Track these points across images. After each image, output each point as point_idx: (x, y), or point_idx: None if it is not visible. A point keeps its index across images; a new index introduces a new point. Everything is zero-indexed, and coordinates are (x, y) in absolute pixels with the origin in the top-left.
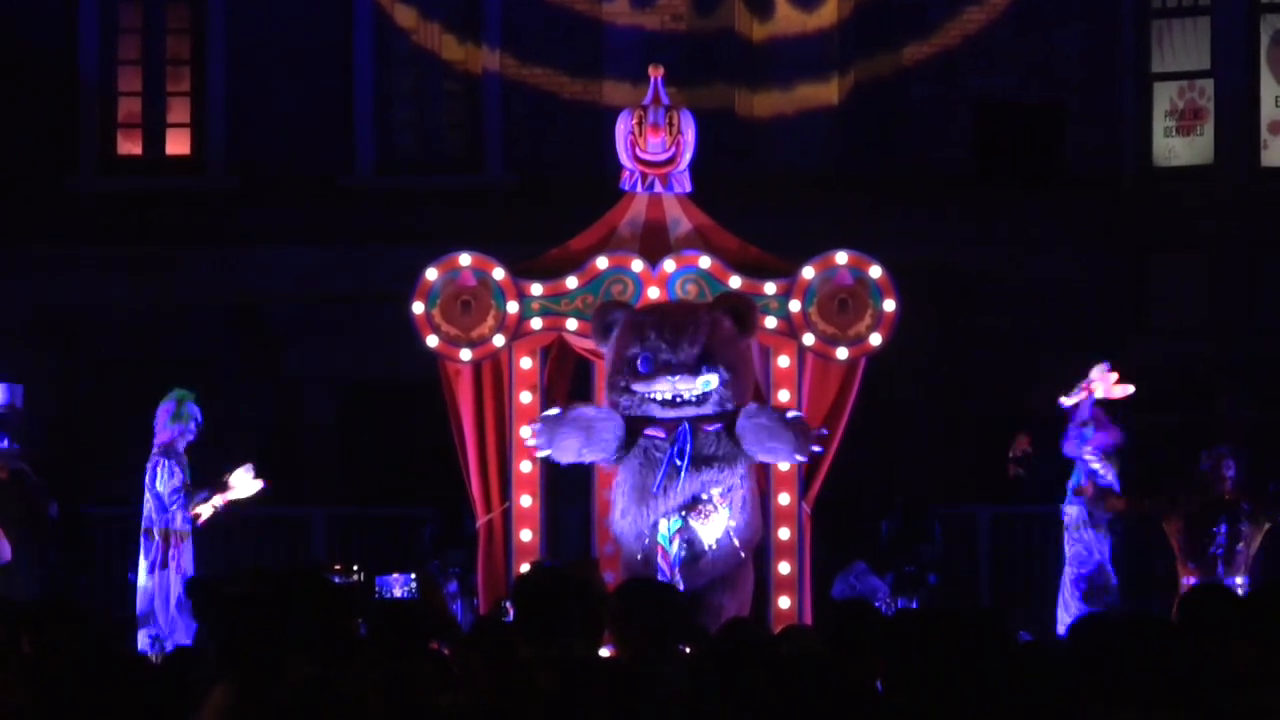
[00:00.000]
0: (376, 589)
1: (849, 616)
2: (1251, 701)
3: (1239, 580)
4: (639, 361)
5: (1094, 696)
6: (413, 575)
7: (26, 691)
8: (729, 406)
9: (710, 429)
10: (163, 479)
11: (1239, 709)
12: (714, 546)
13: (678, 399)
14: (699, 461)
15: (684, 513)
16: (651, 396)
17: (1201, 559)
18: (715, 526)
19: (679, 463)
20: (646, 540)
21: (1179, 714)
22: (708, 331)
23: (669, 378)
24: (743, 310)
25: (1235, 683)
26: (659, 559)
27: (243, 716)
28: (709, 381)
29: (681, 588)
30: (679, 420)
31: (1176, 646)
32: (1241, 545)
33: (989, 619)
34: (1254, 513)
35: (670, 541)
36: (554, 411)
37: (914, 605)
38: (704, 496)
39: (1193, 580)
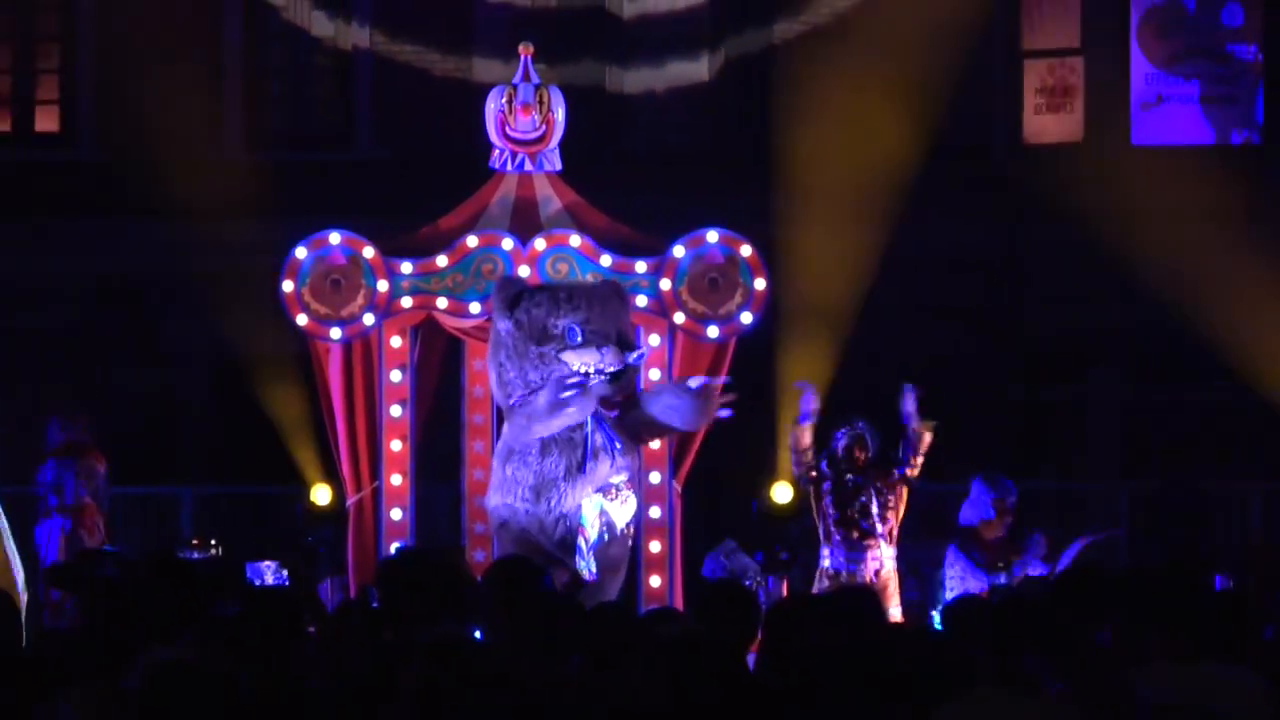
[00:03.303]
0: (246, 575)
1: (720, 596)
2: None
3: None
4: (568, 333)
5: (969, 676)
6: (280, 563)
7: None
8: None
9: (615, 414)
10: None
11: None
12: (627, 530)
13: (606, 370)
14: (610, 445)
15: (602, 496)
16: (584, 369)
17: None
18: (628, 509)
19: (610, 445)
20: (569, 522)
21: (1051, 693)
22: (620, 305)
23: (600, 351)
24: (623, 295)
25: (1109, 661)
26: (580, 541)
27: (104, 704)
28: (641, 355)
29: (595, 570)
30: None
31: (1051, 625)
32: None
33: (864, 599)
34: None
35: (591, 524)
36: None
37: (783, 583)
38: (614, 481)
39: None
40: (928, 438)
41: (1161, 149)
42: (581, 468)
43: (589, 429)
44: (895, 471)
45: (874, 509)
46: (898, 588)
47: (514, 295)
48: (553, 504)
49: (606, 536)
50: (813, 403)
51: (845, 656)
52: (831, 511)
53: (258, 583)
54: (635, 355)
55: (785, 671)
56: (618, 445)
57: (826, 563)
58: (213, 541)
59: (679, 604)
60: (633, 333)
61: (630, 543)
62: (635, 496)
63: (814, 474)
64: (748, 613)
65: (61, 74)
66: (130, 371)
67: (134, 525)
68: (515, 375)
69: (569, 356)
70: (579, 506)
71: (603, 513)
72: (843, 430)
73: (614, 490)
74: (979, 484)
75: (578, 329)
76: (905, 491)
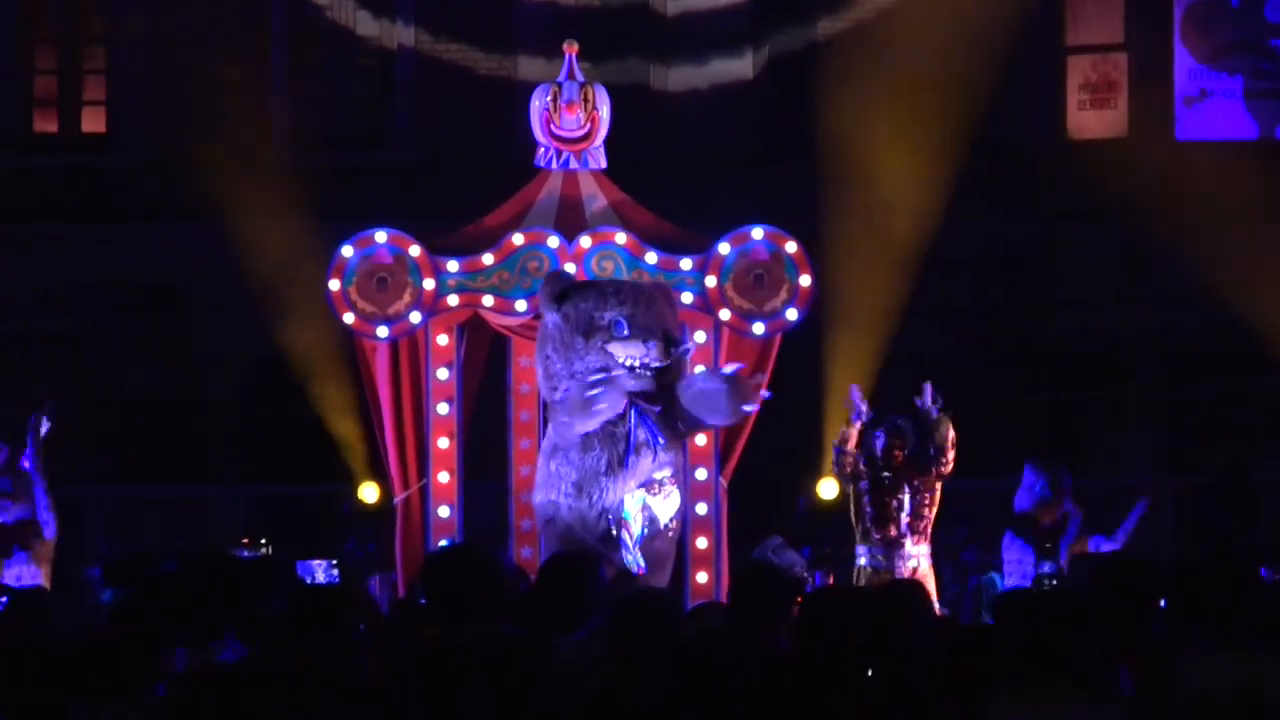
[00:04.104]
0: (298, 574)
1: (753, 582)
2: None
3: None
4: (615, 325)
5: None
6: (334, 561)
7: None
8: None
9: (658, 409)
10: None
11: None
12: (672, 524)
13: (651, 365)
14: (654, 441)
15: (645, 491)
16: (629, 362)
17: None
18: (672, 504)
19: (653, 440)
20: (611, 517)
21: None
22: (666, 304)
23: (646, 345)
24: (668, 291)
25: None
26: (624, 536)
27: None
28: (688, 350)
29: (643, 564)
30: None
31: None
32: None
33: (908, 592)
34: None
35: (634, 519)
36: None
37: (829, 578)
38: (657, 476)
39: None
40: (948, 432)
41: (1205, 144)
42: (624, 462)
43: (631, 424)
44: (930, 469)
45: (909, 506)
46: (934, 584)
47: (561, 289)
48: (594, 499)
49: (648, 531)
50: (862, 403)
51: (893, 649)
52: (869, 510)
53: (309, 580)
54: (681, 349)
55: (821, 661)
56: (660, 440)
57: (863, 560)
58: (263, 541)
59: (725, 599)
60: (679, 331)
61: (675, 537)
62: (679, 491)
63: (853, 472)
64: (783, 594)
65: (107, 76)
66: (177, 372)
67: (182, 527)
68: (561, 367)
69: (615, 348)
70: (621, 501)
71: (645, 507)
72: (881, 429)
73: (657, 485)
74: (1031, 469)
75: (624, 322)
76: (940, 488)
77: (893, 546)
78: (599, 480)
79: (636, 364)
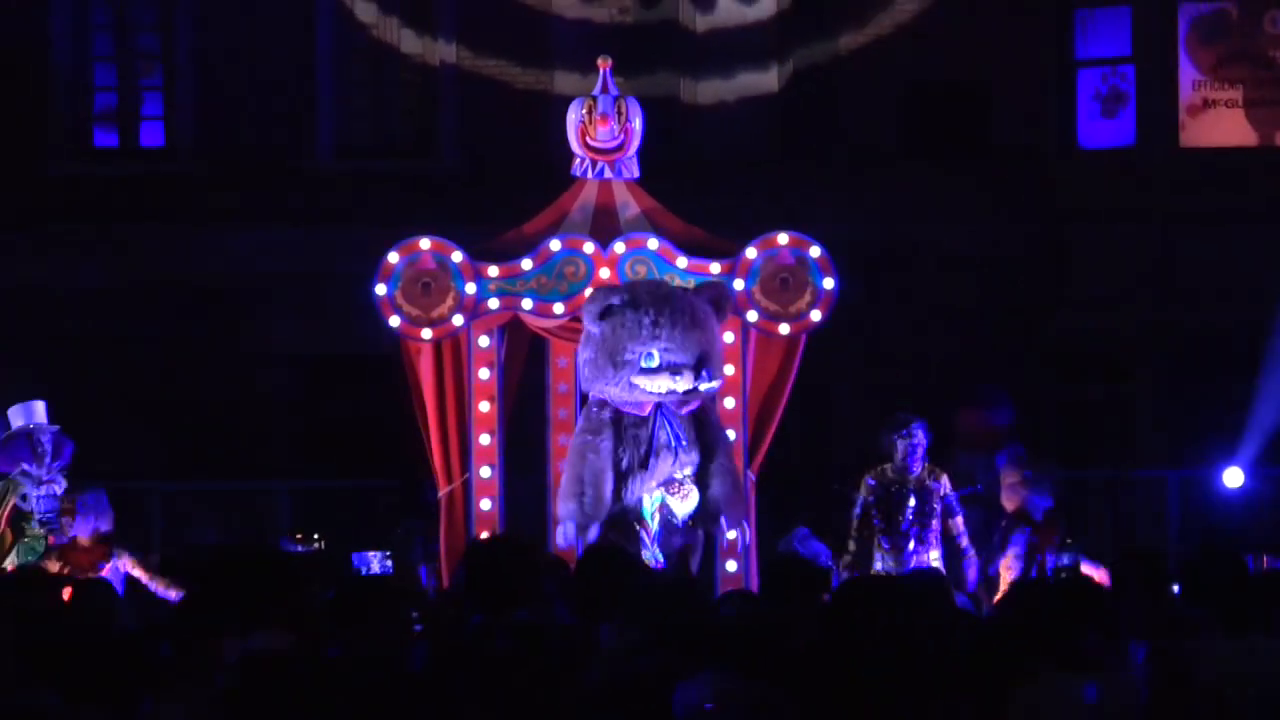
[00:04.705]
0: (353, 565)
1: (782, 573)
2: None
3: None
4: (643, 357)
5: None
6: (388, 553)
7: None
8: (704, 394)
9: (685, 411)
10: None
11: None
12: (688, 522)
13: (676, 391)
14: (676, 443)
15: (665, 490)
16: (654, 391)
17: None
18: (690, 503)
19: (674, 442)
20: (630, 515)
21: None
22: (704, 328)
23: (674, 377)
24: (721, 300)
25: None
26: (643, 533)
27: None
28: (712, 388)
29: (660, 559)
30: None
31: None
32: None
33: (932, 583)
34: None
35: (652, 517)
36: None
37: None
38: (677, 476)
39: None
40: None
41: (1208, 150)
42: (645, 463)
43: (655, 425)
44: (932, 484)
45: (916, 513)
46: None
47: (603, 308)
48: (620, 497)
49: (666, 529)
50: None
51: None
52: (878, 522)
53: (363, 571)
54: (707, 386)
55: (852, 649)
56: (683, 441)
57: (878, 565)
58: (315, 536)
59: (754, 588)
60: (716, 357)
61: (698, 532)
62: (697, 490)
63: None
64: (810, 584)
65: (164, 92)
66: (229, 370)
67: (234, 520)
68: (592, 377)
69: (641, 380)
70: (640, 500)
71: (662, 505)
72: (898, 434)
73: (676, 484)
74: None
75: (655, 354)
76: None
77: (901, 553)
78: (623, 479)
79: (664, 393)
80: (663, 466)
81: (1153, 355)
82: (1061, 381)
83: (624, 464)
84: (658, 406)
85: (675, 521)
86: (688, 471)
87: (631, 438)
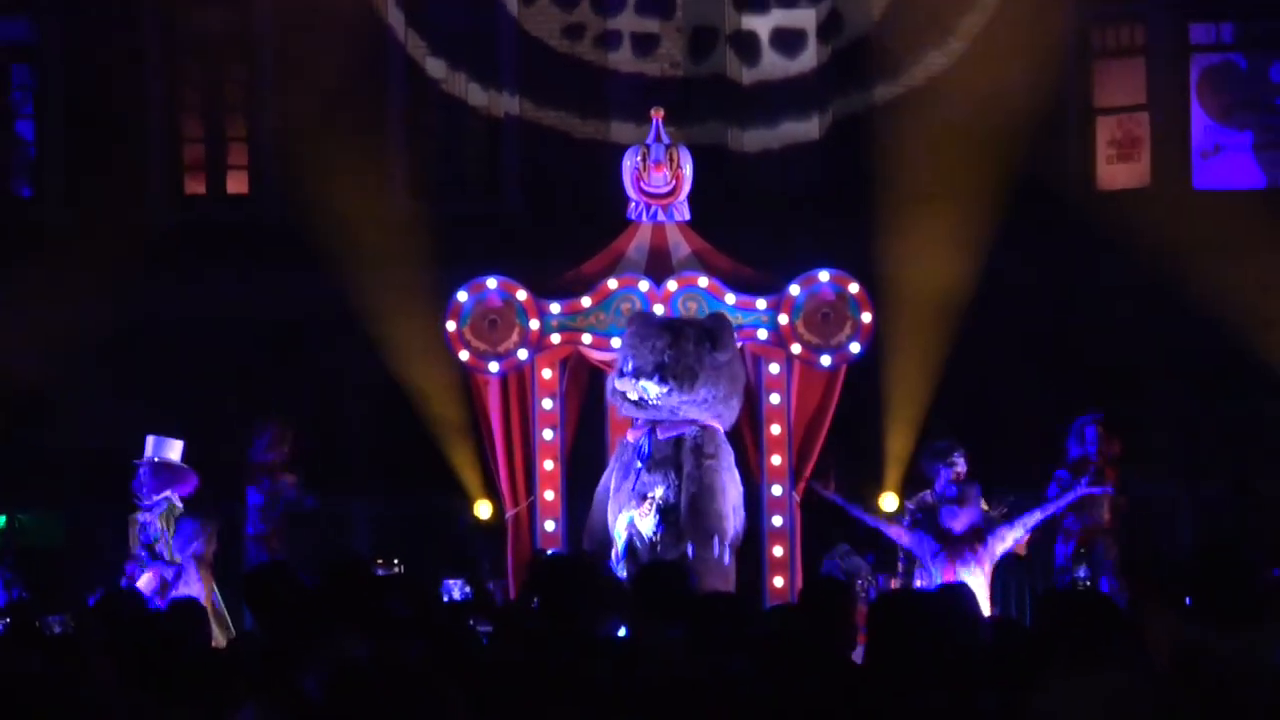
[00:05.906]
0: (441, 592)
1: (822, 593)
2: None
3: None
4: (624, 360)
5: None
6: (466, 578)
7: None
8: (698, 419)
9: (665, 436)
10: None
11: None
12: (654, 539)
13: (641, 401)
14: (650, 464)
15: (635, 509)
16: (624, 394)
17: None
18: (649, 521)
19: (639, 464)
20: (611, 535)
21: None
22: (672, 344)
23: (635, 381)
24: (713, 329)
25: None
26: (613, 551)
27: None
28: (661, 394)
29: (624, 576)
30: (649, 425)
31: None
32: None
33: (954, 595)
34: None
35: (619, 537)
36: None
37: (892, 582)
38: (648, 495)
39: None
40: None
41: (1219, 192)
42: (629, 485)
43: (643, 448)
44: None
45: (958, 536)
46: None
47: (627, 324)
48: (609, 519)
49: (635, 545)
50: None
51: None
52: (923, 542)
53: (446, 599)
54: (656, 393)
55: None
56: (647, 460)
57: (919, 582)
58: (395, 560)
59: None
60: (683, 369)
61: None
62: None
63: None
64: (844, 603)
65: (249, 142)
66: (312, 400)
67: (312, 540)
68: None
69: (620, 384)
70: (617, 518)
71: (630, 524)
72: (942, 466)
73: (638, 502)
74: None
75: (631, 360)
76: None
77: (943, 574)
78: (615, 501)
79: (636, 398)
80: (626, 486)
81: (1165, 381)
82: (1082, 404)
83: (617, 487)
84: (649, 430)
85: (644, 539)
86: (658, 492)
87: (627, 462)
